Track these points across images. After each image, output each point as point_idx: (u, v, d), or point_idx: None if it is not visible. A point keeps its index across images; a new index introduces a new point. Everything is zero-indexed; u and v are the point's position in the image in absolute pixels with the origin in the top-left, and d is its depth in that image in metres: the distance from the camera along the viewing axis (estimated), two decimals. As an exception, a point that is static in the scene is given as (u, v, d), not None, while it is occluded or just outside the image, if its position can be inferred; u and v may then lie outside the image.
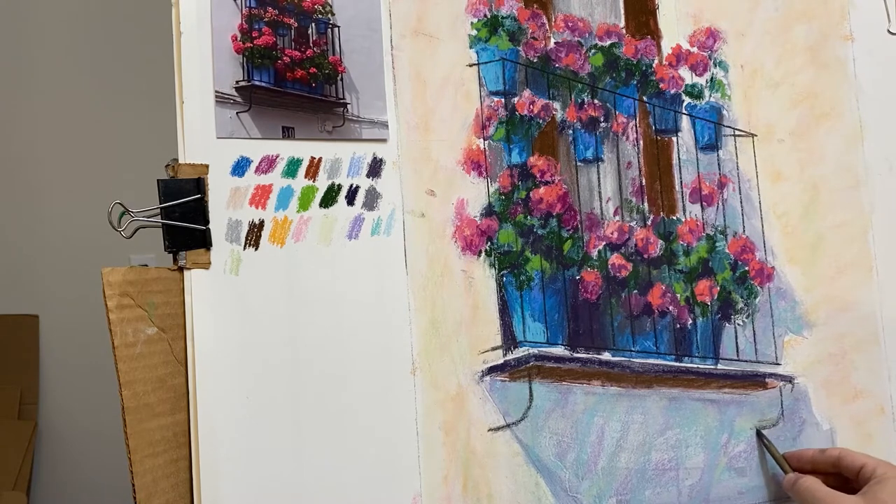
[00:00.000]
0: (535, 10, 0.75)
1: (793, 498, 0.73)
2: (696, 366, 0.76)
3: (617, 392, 0.73)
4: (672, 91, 0.79)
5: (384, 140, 0.69)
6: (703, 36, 0.81)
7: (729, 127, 0.81)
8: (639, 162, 0.77)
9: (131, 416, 0.58)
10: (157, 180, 0.62)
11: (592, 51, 0.77)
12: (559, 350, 0.72)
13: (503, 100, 0.73)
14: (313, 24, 0.67)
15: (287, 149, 0.66)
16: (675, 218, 0.78)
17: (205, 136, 0.63)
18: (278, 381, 0.63)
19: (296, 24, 0.67)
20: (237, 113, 0.64)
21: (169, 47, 0.63)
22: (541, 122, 0.74)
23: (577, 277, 0.73)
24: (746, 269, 0.79)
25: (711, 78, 0.81)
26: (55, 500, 1.90)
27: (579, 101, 0.76)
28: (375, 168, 0.68)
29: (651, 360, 0.75)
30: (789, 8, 0.84)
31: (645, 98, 0.78)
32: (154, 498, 0.59)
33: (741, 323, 0.79)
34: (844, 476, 0.72)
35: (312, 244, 0.66)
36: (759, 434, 0.77)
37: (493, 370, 0.69)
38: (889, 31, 0.87)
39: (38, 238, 1.90)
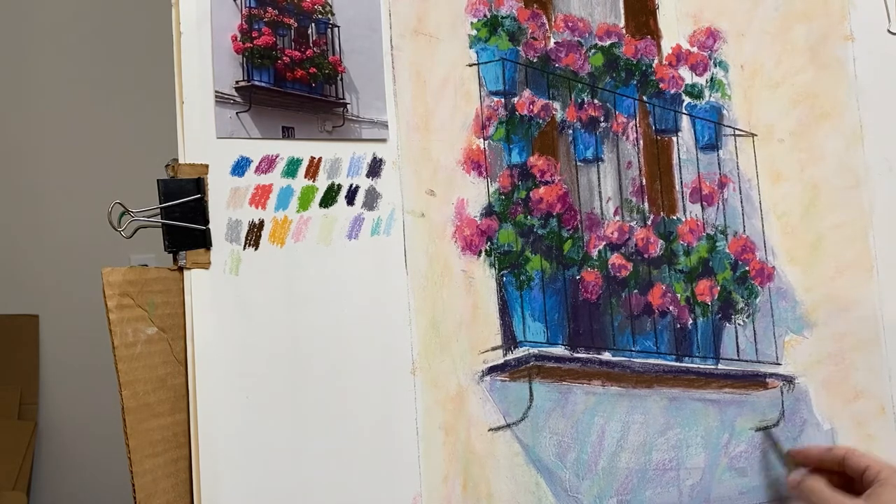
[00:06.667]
0: (535, 10, 0.75)
1: (797, 497, 0.72)
2: (696, 366, 0.76)
3: (617, 392, 0.73)
4: (672, 91, 0.79)
5: (384, 140, 0.69)
6: (703, 36, 0.81)
7: (729, 127, 0.81)
8: (639, 162, 0.77)
9: (131, 416, 0.58)
10: (157, 180, 0.62)
11: (592, 51, 0.77)
12: (559, 350, 0.72)
13: (503, 100, 0.73)
14: (313, 24, 0.67)
15: (287, 149, 0.66)
16: (675, 218, 0.78)
17: (205, 136, 0.63)
18: (278, 380, 0.63)
19: (296, 24, 0.67)
20: (237, 113, 0.64)
21: (169, 47, 0.63)
22: (541, 121, 0.74)
23: (578, 277, 0.73)
24: (747, 268, 0.79)
25: (711, 78, 0.81)
26: (55, 500, 1.90)
27: (579, 101, 0.76)
28: (375, 168, 0.68)
29: (651, 360, 0.75)
30: (789, 8, 0.84)
31: (645, 98, 0.78)
32: (154, 498, 0.59)
33: (741, 323, 0.78)
34: (849, 475, 0.71)
35: (312, 244, 0.66)
36: (765, 432, 0.77)
37: (493, 370, 0.69)
38: (889, 31, 0.87)
39: (38, 238, 1.90)
